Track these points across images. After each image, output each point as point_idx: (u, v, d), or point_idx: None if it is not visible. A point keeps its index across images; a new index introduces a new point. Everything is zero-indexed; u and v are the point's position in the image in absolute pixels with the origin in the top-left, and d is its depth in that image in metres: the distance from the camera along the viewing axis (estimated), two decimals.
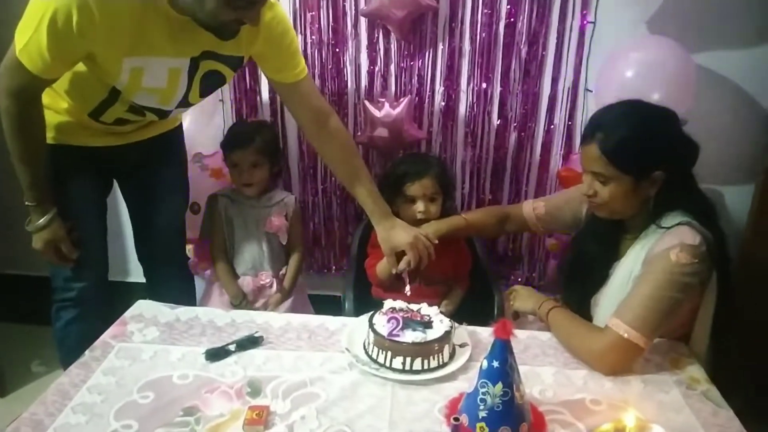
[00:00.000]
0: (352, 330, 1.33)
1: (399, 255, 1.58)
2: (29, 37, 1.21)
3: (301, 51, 1.62)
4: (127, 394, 1.13)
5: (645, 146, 1.27)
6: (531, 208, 1.66)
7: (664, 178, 1.27)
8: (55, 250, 1.51)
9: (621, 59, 1.76)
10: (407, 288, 1.57)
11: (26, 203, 1.46)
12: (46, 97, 1.40)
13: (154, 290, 1.76)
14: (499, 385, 0.98)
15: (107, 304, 1.63)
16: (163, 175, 1.73)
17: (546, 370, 1.24)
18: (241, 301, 1.81)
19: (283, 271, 1.89)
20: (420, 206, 1.69)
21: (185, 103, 1.50)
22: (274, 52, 1.49)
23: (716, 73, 1.93)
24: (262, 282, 1.84)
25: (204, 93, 1.51)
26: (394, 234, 1.58)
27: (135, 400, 1.12)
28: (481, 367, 1.01)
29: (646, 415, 1.09)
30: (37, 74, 1.26)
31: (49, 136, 1.44)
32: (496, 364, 0.99)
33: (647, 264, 1.26)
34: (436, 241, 1.60)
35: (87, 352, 1.25)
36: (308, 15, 1.95)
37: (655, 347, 1.28)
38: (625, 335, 1.20)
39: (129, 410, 1.09)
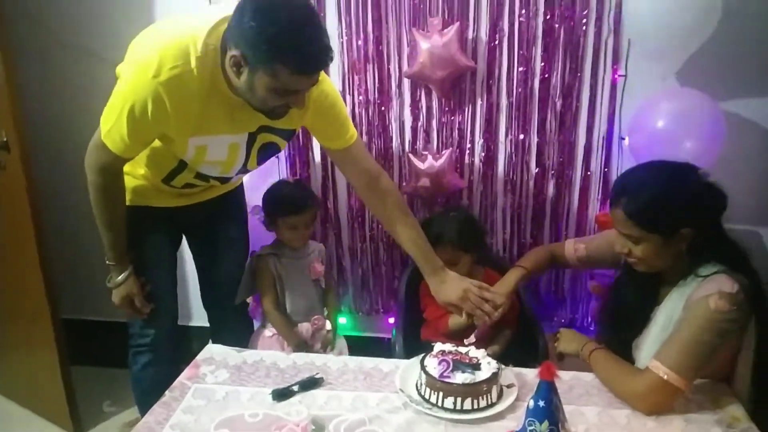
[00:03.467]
0: (404, 371, 1.43)
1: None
2: (112, 125, 1.39)
3: (350, 116, 1.73)
4: None
5: (669, 206, 1.33)
6: (573, 249, 1.74)
7: (693, 233, 1.34)
8: (130, 304, 1.66)
9: (652, 109, 1.85)
10: (473, 336, 1.66)
11: (107, 262, 1.62)
12: (127, 166, 1.57)
13: (219, 334, 1.90)
14: (546, 423, 1.07)
15: (177, 348, 1.78)
16: (227, 230, 1.88)
17: (590, 410, 1.30)
18: (304, 348, 1.89)
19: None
20: None
21: (244, 170, 1.66)
22: (323, 124, 1.62)
23: (744, 118, 1.99)
24: (316, 325, 1.94)
25: (261, 161, 1.65)
26: (444, 289, 1.67)
27: None
28: (528, 406, 1.10)
29: None
30: (119, 154, 1.44)
31: (128, 199, 1.62)
32: (542, 403, 1.07)
33: (687, 309, 1.32)
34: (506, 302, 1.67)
35: (167, 392, 1.39)
36: (356, 78, 2.11)
37: (697, 387, 1.33)
38: (665, 377, 1.26)
39: None
